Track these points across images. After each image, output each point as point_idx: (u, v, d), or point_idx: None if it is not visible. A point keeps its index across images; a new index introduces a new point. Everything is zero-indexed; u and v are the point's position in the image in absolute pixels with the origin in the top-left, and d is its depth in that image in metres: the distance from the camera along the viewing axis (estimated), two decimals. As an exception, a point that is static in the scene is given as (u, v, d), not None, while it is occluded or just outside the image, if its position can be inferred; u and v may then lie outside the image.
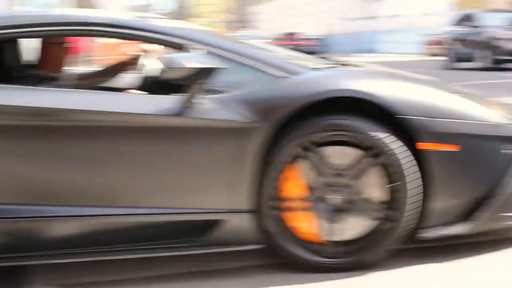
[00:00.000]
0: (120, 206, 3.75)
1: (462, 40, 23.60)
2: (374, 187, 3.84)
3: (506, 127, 4.06)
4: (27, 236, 3.73)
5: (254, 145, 3.72)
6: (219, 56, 3.92)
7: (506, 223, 4.03)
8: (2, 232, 3.70)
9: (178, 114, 3.73)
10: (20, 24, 4.02)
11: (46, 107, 3.69)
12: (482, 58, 22.30)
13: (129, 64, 4.91)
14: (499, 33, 21.82)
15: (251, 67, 3.98)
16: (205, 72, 3.66)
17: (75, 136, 3.71)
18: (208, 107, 3.75)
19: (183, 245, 3.80)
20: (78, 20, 4.05)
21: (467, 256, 3.96)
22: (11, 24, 4.03)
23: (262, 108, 3.75)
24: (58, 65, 4.49)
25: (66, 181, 3.73)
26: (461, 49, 23.63)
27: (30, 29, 4.01)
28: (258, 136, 3.72)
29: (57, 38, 4.43)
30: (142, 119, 3.72)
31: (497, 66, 21.71)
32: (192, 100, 3.71)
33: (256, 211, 3.77)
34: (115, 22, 4.04)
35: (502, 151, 4.00)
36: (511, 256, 3.97)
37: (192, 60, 3.65)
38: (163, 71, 3.66)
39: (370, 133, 3.76)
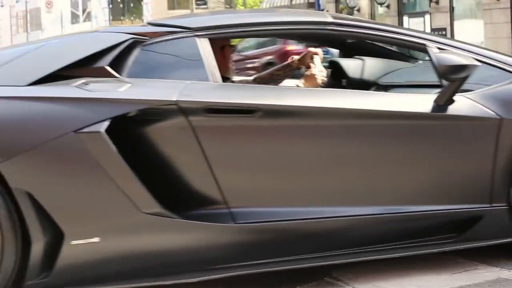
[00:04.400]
0: (386, 205, 3.97)
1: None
2: None
3: None
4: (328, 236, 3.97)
5: (506, 140, 3.92)
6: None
7: None
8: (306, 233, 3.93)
9: (438, 111, 3.93)
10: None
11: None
12: None
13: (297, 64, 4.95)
14: None
15: (489, 65, 4.18)
16: (466, 70, 3.86)
17: (350, 137, 3.96)
18: (460, 104, 3.95)
19: (440, 242, 3.99)
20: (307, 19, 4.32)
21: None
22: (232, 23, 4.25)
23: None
24: (227, 67, 4.62)
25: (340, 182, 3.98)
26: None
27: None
28: (509, 131, 3.91)
29: (226, 40, 4.56)
30: (402, 118, 3.94)
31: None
32: (450, 98, 3.92)
33: (510, 204, 3.95)
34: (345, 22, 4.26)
35: None
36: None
37: (460, 58, 3.89)
38: (436, 68, 3.89)
39: None
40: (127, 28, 4.36)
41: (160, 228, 3.79)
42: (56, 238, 3.78)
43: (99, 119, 3.73)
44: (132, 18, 66.61)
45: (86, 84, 3.89)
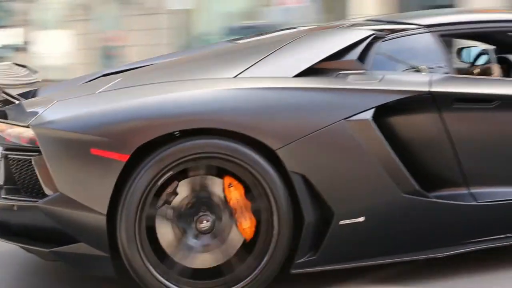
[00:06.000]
0: None
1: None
2: None
3: None
4: None
5: None
6: None
7: None
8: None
9: None
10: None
11: None
12: None
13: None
14: None
15: None
16: None
17: None
18: None
19: None
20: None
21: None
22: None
23: None
24: None
25: None
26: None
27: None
28: None
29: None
30: None
31: None
32: None
33: None
34: None
35: None
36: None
37: None
38: None
39: None
40: (366, 25, 4.71)
41: (415, 207, 4.15)
42: (324, 218, 4.05)
43: (366, 107, 4.06)
44: None
45: (345, 76, 4.21)
